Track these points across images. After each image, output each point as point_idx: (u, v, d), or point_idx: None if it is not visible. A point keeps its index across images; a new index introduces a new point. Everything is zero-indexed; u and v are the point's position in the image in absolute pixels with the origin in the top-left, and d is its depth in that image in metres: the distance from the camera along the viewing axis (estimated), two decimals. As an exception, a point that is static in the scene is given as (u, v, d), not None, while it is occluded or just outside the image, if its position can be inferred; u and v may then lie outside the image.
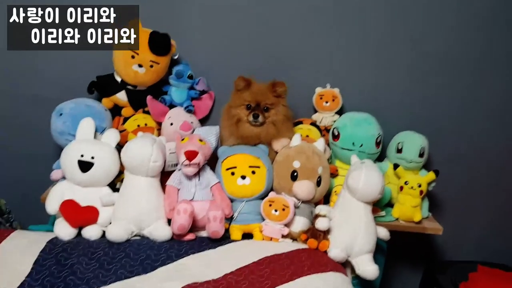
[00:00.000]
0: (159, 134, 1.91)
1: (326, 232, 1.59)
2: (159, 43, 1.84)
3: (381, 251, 1.79)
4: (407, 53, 2.06)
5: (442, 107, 2.13)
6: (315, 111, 2.07)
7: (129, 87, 1.93)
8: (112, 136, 1.70)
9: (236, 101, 1.81)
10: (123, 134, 1.79)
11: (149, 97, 1.90)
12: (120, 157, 1.65)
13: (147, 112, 1.96)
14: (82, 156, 1.61)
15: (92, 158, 1.61)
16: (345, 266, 1.59)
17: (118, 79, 1.93)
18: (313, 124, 2.02)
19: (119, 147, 1.69)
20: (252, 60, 2.04)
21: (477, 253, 2.30)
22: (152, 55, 1.84)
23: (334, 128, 1.94)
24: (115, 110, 1.97)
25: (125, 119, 1.95)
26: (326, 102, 2.02)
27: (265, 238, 1.63)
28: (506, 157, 2.22)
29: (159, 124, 1.96)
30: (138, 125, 1.91)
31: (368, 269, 1.56)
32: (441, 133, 2.13)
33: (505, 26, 2.04)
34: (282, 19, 2.03)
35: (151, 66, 1.86)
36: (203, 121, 2.07)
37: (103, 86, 1.93)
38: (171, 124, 1.89)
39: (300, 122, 2.02)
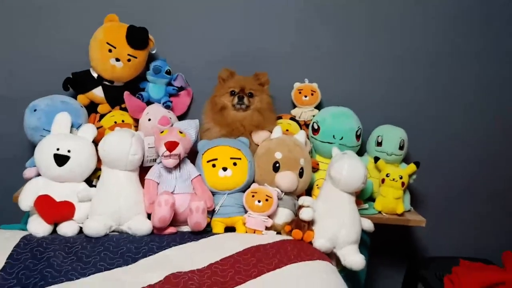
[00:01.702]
0: (136, 131, 1.86)
1: (310, 223, 1.59)
2: (137, 37, 1.83)
3: (364, 245, 1.80)
4: (385, 48, 2.11)
5: (420, 101, 2.17)
6: (294, 107, 2.08)
7: (106, 82, 1.90)
8: (89, 130, 1.67)
9: (220, 90, 1.85)
10: (99, 131, 1.75)
11: (126, 93, 1.86)
12: (97, 152, 1.60)
13: (124, 109, 1.92)
14: (58, 149, 1.57)
15: (69, 151, 1.57)
16: (330, 259, 1.56)
17: (95, 74, 1.90)
18: (293, 119, 2.03)
19: (95, 144, 1.64)
20: (230, 57, 2.04)
21: (458, 250, 2.30)
22: (129, 49, 1.83)
23: (314, 122, 1.94)
24: (91, 108, 1.93)
25: (102, 116, 1.90)
26: (305, 97, 2.02)
27: (248, 231, 1.61)
28: (485, 152, 2.27)
29: (136, 121, 1.92)
30: (115, 122, 1.86)
31: (354, 259, 1.55)
32: (420, 127, 2.17)
33: (478, 25, 2.11)
34: (260, 17, 2.05)
35: (129, 60, 1.84)
36: (181, 118, 2.03)
37: (78, 82, 1.90)
38: (149, 119, 1.85)
39: (280, 118, 2.02)
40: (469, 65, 2.15)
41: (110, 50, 1.82)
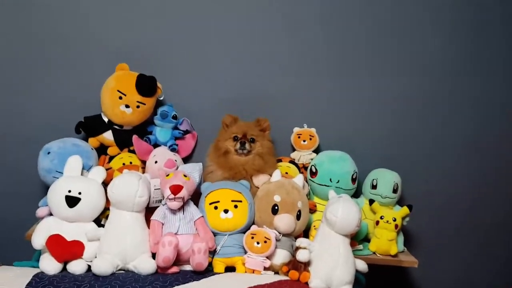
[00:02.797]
0: (143, 172, 1.95)
1: (307, 264, 1.64)
2: (146, 85, 1.94)
3: (359, 285, 1.84)
4: (379, 93, 2.21)
5: (413, 145, 2.27)
6: (294, 150, 2.18)
7: (115, 127, 2.00)
8: (98, 173, 1.76)
9: (223, 135, 1.96)
10: (108, 172, 1.83)
11: (134, 137, 1.97)
12: (106, 193, 1.70)
13: (132, 151, 2.02)
14: (69, 191, 1.66)
15: (79, 193, 1.66)
16: (326, 299, 1.63)
17: (105, 119, 2.00)
18: (292, 162, 2.12)
19: (105, 185, 1.74)
20: (233, 102, 2.15)
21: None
22: (139, 96, 1.93)
23: (312, 166, 2.03)
24: (101, 149, 2.03)
25: (111, 158, 2.01)
26: (304, 141, 2.12)
27: (247, 271, 1.67)
28: (479, 192, 2.34)
29: (144, 162, 2.02)
30: (124, 164, 1.96)
31: (348, 300, 1.61)
32: (414, 170, 2.24)
33: (471, 68, 2.23)
34: (260, 64, 2.17)
35: (138, 107, 1.95)
36: (186, 160, 2.14)
37: (90, 126, 2.00)
38: (156, 162, 1.95)
39: (280, 160, 2.11)
40: (460, 106, 2.25)
41: (120, 97, 1.92)
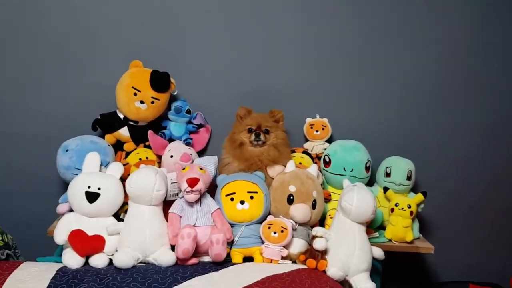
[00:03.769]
0: (159, 167, 1.98)
1: (324, 252, 1.66)
2: (160, 81, 1.97)
3: (376, 272, 1.87)
4: (391, 82, 2.22)
5: (426, 133, 2.28)
6: (306, 140, 2.20)
7: (131, 123, 2.04)
8: (116, 168, 1.79)
9: (238, 127, 1.99)
10: (125, 167, 1.86)
11: (150, 132, 2.01)
12: (124, 188, 1.73)
13: (148, 146, 2.05)
14: (89, 187, 1.69)
15: (99, 189, 1.70)
16: (343, 286, 1.65)
17: (121, 116, 2.03)
18: (305, 152, 2.14)
19: (122, 180, 1.77)
20: (246, 95, 2.17)
21: (468, 274, 2.37)
22: (153, 92, 1.96)
23: (325, 155, 2.05)
24: (118, 145, 2.07)
25: (127, 154, 2.04)
26: (317, 131, 2.14)
27: (265, 260, 1.70)
28: (491, 178, 2.35)
29: (159, 157, 2.05)
30: (140, 159, 1.99)
31: (366, 286, 1.63)
32: (427, 157, 2.26)
33: (481, 55, 2.22)
34: (272, 56, 2.18)
35: (152, 103, 1.98)
36: (201, 153, 2.17)
37: (106, 123, 2.04)
38: (171, 156, 1.98)
39: (293, 151, 2.13)
40: (472, 92, 2.26)
41: (135, 94, 1.96)
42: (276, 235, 1.69)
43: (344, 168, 1.98)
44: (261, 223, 1.76)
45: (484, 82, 2.25)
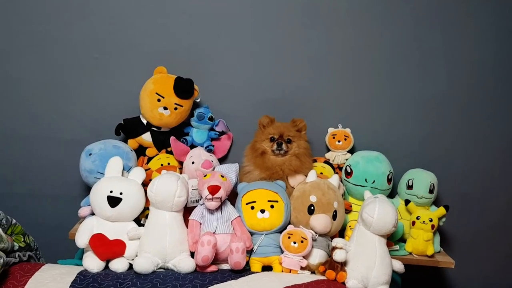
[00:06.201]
0: (181, 173, 2.00)
1: (343, 264, 1.65)
2: (184, 87, 1.98)
3: (396, 285, 1.85)
4: (414, 93, 2.19)
5: (449, 145, 2.24)
6: (328, 150, 2.18)
7: (154, 128, 2.05)
8: (138, 173, 1.81)
9: (260, 136, 1.99)
10: (147, 172, 1.88)
11: (172, 138, 2.02)
12: (145, 193, 1.74)
13: (170, 152, 2.07)
14: (111, 192, 1.71)
15: (121, 193, 1.71)
16: (362, 299, 1.64)
17: (144, 121, 2.05)
18: (327, 162, 2.13)
19: (144, 185, 1.79)
20: (268, 103, 2.17)
21: (490, 289, 2.34)
22: (176, 99, 1.98)
23: (347, 166, 2.04)
24: (140, 151, 2.08)
25: (149, 159, 2.06)
26: (339, 141, 2.13)
27: (284, 270, 1.69)
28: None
29: (181, 163, 2.06)
30: (162, 164, 2.01)
31: (385, 300, 1.62)
32: (450, 170, 2.23)
33: (506, 68, 2.19)
34: (295, 65, 2.18)
35: (175, 109, 1.99)
36: (222, 160, 2.18)
37: (129, 128, 2.05)
38: (193, 162, 1.99)
39: (315, 161, 2.12)
40: (497, 107, 2.22)
41: (158, 100, 1.97)
42: (296, 245, 1.68)
43: (365, 180, 1.97)
44: (281, 232, 1.75)
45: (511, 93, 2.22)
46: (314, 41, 2.15)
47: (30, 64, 2.14)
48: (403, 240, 2.02)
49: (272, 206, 1.77)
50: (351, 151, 2.14)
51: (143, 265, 1.59)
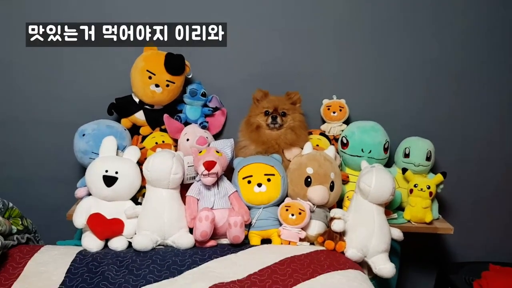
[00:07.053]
0: (175, 150, 1.98)
1: (342, 234, 1.66)
2: (175, 64, 1.95)
3: (395, 253, 1.86)
4: (408, 61, 2.18)
5: (445, 112, 2.23)
6: (323, 122, 2.18)
7: (146, 107, 2.04)
8: (133, 152, 1.80)
9: (255, 110, 1.97)
10: (142, 151, 1.87)
11: (165, 116, 2.00)
12: (141, 172, 1.74)
13: (164, 130, 2.05)
14: (106, 171, 1.70)
15: (116, 173, 1.71)
16: (362, 267, 1.64)
17: (136, 99, 2.03)
18: (322, 134, 2.12)
19: (139, 164, 1.78)
20: (262, 77, 2.15)
21: (488, 255, 2.34)
22: (168, 75, 1.96)
23: (342, 137, 2.03)
24: (134, 130, 2.07)
25: (144, 138, 2.04)
26: (334, 112, 2.12)
27: (283, 242, 1.70)
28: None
29: (176, 140, 2.05)
30: (156, 143, 1.99)
31: (385, 267, 1.63)
32: (446, 137, 2.22)
33: (502, 32, 2.16)
34: (288, 39, 2.15)
35: (167, 86, 1.97)
36: (217, 136, 2.17)
37: (122, 107, 2.04)
38: (187, 139, 1.98)
39: (310, 133, 2.11)
40: (495, 72, 2.20)
41: (150, 77, 1.95)
42: (294, 217, 1.68)
43: (362, 150, 1.95)
44: (278, 205, 1.75)
45: (509, 63, 2.19)
46: (306, 13, 2.12)
47: (17, 47, 2.09)
48: (401, 208, 2.02)
49: (268, 180, 1.76)
50: (347, 122, 2.13)
51: (142, 243, 1.60)
